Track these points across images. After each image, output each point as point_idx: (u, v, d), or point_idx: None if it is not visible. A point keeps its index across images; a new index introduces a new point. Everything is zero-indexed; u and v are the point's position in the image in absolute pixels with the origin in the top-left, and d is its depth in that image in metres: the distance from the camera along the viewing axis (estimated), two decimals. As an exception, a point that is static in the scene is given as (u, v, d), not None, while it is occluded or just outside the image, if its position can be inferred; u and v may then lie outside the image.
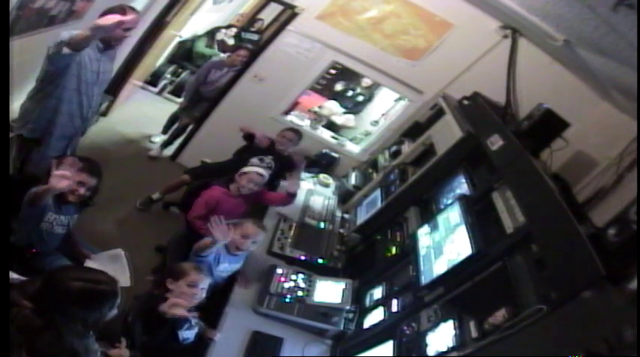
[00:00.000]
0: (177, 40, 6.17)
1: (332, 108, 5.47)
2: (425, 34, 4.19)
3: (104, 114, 4.96)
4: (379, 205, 3.45)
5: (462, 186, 2.92)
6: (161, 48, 5.61)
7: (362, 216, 3.58)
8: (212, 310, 2.55)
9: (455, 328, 2.03)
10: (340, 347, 2.53)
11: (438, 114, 3.76)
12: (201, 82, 4.99)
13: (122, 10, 2.64)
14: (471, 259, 2.19)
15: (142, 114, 5.66)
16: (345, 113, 5.61)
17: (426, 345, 2.10)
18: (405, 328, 2.26)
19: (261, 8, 7.40)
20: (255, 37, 6.53)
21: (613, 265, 1.58)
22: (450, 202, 2.76)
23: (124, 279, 2.55)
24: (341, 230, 3.58)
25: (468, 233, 2.30)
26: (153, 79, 6.29)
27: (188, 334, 2.31)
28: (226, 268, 2.79)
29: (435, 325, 2.14)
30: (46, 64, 2.65)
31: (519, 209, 2.24)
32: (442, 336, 2.06)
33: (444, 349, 2.00)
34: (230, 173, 3.45)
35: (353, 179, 4.25)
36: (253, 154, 3.64)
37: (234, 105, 4.65)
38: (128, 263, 2.75)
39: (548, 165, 2.86)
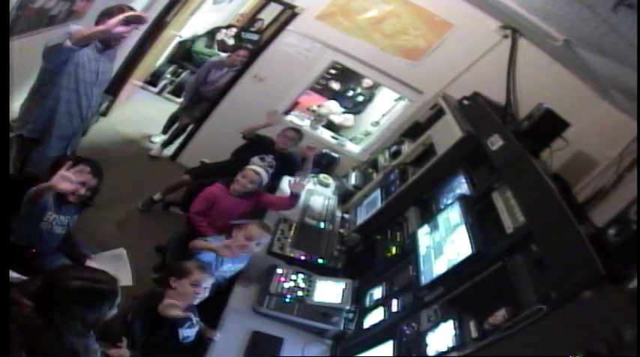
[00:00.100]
0: (177, 40, 6.17)
1: (331, 107, 5.47)
2: (425, 34, 4.19)
3: (104, 114, 4.97)
4: (379, 205, 3.45)
5: (462, 186, 2.92)
6: (161, 48, 5.61)
7: (362, 216, 3.58)
8: (212, 310, 2.55)
9: (455, 328, 2.03)
10: (340, 347, 2.53)
11: (438, 114, 3.75)
12: (201, 82, 4.99)
13: (121, 10, 2.64)
14: (471, 259, 2.19)
15: (142, 114, 5.66)
16: (344, 113, 5.61)
17: (426, 345, 2.10)
18: (405, 328, 2.26)
19: (261, 8, 7.40)
20: (255, 37, 6.53)
21: (613, 265, 1.58)
22: (450, 202, 2.76)
23: (125, 278, 2.55)
24: (341, 230, 3.58)
25: (468, 233, 2.30)
26: (153, 79, 6.29)
27: (189, 333, 2.31)
28: (230, 268, 2.80)
29: (435, 325, 2.14)
30: (43, 63, 2.65)
31: (519, 209, 2.24)
32: (442, 336, 2.06)
33: (444, 349, 2.00)
34: (229, 173, 3.46)
35: (353, 179, 4.25)
36: (252, 154, 3.64)
37: (234, 105, 4.65)
38: (130, 262, 2.75)
39: (548, 165, 2.86)
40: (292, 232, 3.35)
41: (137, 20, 2.61)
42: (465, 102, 3.59)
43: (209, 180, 3.50)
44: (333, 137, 5.03)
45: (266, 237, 2.87)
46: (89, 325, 1.66)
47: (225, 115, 4.70)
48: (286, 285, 2.75)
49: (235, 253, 2.73)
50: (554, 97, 3.19)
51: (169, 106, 5.86)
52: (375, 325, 2.50)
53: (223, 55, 6.10)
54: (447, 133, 3.26)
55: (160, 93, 6.39)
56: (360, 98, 5.76)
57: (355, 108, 5.75)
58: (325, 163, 4.66)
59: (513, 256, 2.09)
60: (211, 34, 6.73)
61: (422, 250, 2.57)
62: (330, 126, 5.35)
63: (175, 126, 5.16)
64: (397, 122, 4.64)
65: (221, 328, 2.45)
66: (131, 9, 2.78)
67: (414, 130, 4.10)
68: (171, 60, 6.52)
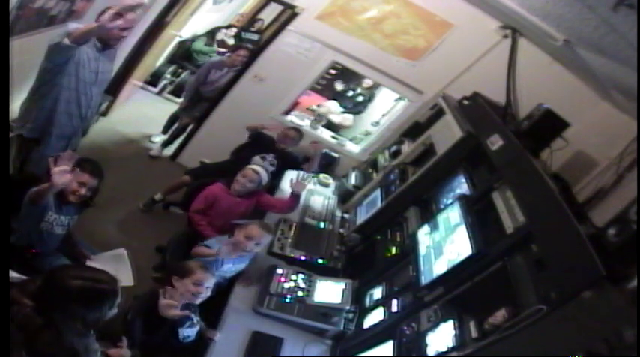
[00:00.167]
0: (177, 40, 6.17)
1: (330, 107, 5.47)
2: (425, 34, 4.19)
3: (104, 114, 4.97)
4: (379, 205, 3.45)
5: (462, 186, 2.92)
6: (161, 48, 5.61)
7: (362, 216, 3.58)
8: (212, 309, 2.55)
9: (455, 328, 2.03)
10: (340, 347, 2.53)
11: (438, 114, 3.75)
12: (201, 82, 5.00)
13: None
14: (471, 259, 2.18)
15: (142, 114, 5.67)
16: (344, 113, 5.61)
17: (426, 345, 2.10)
18: (405, 328, 2.26)
19: (261, 8, 7.40)
20: (255, 37, 6.53)
21: (613, 265, 1.58)
22: (450, 202, 2.76)
23: (126, 278, 2.55)
24: (341, 230, 3.58)
25: (468, 233, 2.30)
26: (153, 79, 6.29)
27: (189, 332, 2.31)
28: (230, 268, 2.80)
29: (435, 325, 2.14)
30: (44, 62, 2.65)
31: (519, 209, 2.24)
32: (442, 336, 2.06)
33: (444, 349, 2.00)
34: (229, 173, 3.46)
35: (353, 179, 4.25)
36: (252, 153, 3.64)
37: (234, 105, 4.66)
38: (130, 262, 2.75)
39: (548, 165, 2.86)
40: (292, 232, 3.35)
41: (130, 9, 2.56)
42: (465, 102, 3.59)
43: (210, 179, 3.50)
44: (333, 137, 5.03)
45: (266, 237, 2.87)
46: (89, 325, 1.66)
47: (225, 115, 4.70)
48: (286, 285, 2.75)
49: (234, 253, 2.73)
50: (554, 97, 3.19)
51: (169, 106, 5.87)
52: (375, 325, 2.50)
53: (222, 50, 6.11)
54: (447, 133, 3.26)
55: (159, 93, 6.39)
56: (360, 98, 5.76)
57: (355, 108, 5.75)
58: (325, 163, 4.66)
59: (513, 256, 2.09)
60: (211, 34, 6.73)
61: (422, 250, 2.57)
62: (330, 126, 5.36)
63: (175, 126, 5.16)
64: (397, 122, 4.64)
65: (221, 328, 2.45)
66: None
67: (414, 130, 4.10)
68: (171, 60, 6.52)
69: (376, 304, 2.65)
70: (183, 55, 6.55)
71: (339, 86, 5.81)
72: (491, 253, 2.17)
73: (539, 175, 2.29)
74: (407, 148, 3.92)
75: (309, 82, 4.67)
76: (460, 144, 3.05)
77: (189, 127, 5.01)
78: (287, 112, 4.84)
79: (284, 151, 4.15)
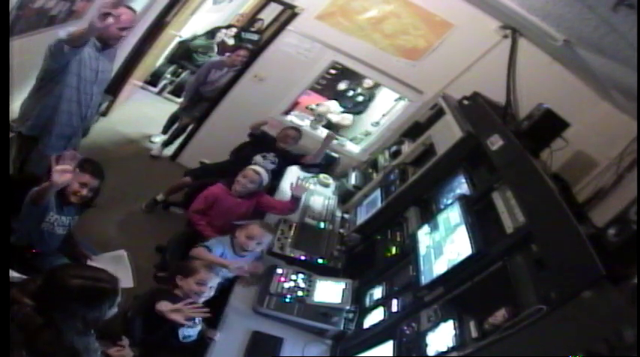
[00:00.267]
0: (177, 40, 6.17)
1: (329, 106, 5.47)
2: (425, 34, 4.19)
3: (104, 114, 4.97)
4: (379, 205, 3.45)
5: (462, 186, 2.92)
6: (161, 48, 5.61)
7: (362, 216, 3.58)
8: (212, 310, 2.55)
9: (455, 328, 2.03)
10: (340, 347, 2.53)
11: (438, 114, 3.75)
12: (201, 82, 5.00)
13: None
14: (471, 259, 2.18)
15: (142, 114, 5.67)
16: (344, 113, 5.60)
17: (426, 345, 2.10)
18: (405, 328, 2.26)
19: (261, 8, 7.40)
20: (255, 37, 6.54)
21: (613, 265, 1.58)
22: (450, 202, 2.76)
23: (126, 280, 2.55)
24: (341, 230, 3.58)
25: (468, 233, 2.30)
26: (153, 79, 6.29)
27: (190, 332, 2.31)
28: None
29: (435, 325, 2.14)
30: (46, 62, 2.64)
31: (519, 209, 2.24)
32: (442, 336, 2.06)
33: (444, 349, 2.00)
34: (229, 173, 3.46)
35: (353, 179, 4.25)
36: (252, 152, 3.64)
37: (234, 105, 4.65)
38: (130, 264, 2.75)
39: (548, 165, 2.86)
40: (292, 232, 3.35)
41: (114, 5, 2.52)
42: (465, 102, 3.60)
43: (210, 180, 3.50)
44: (333, 137, 5.02)
45: (268, 236, 2.87)
46: (89, 324, 1.66)
47: (225, 115, 4.70)
48: (286, 285, 2.75)
49: (238, 250, 2.74)
50: (554, 97, 3.20)
51: (169, 106, 5.87)
52: (375, 325, 2.50)
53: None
54: (447, 133, 3.26)
55: (160, 93, 6.39)
56: (360, 98, 5.75)
57: (355, 108, 5.75)
58: (325, 163, 4.66)
59: (513, 256, 2.09)
60: (211, 34, 6.72)
61: (422, 250, 2.57)
62: (330, 126, 5.35)
63: (175, 126, 5.17)
64: (397, 122, 4.64)
65: (221, 328, 2.45)
66: (129, 8, 2.78)
67: (414, 130, 4.10)
68: (171, 60, 6.52)
69: (376, 304, 2.65)
70: (183, 55, 6.54)
71: (339, 86, 5.81)
72: (491, 253, 2.17)
73: (539, 175, 2.29)
74: (407, 148, 3.92)
75: (309, 82, 4.67)
76: (460, 144, 3.05)
77: (190, 127, 5.02)
78: (287, 112, 4.84)
79: (284, 150, 4.14)
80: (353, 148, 4.95)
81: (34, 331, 1.51)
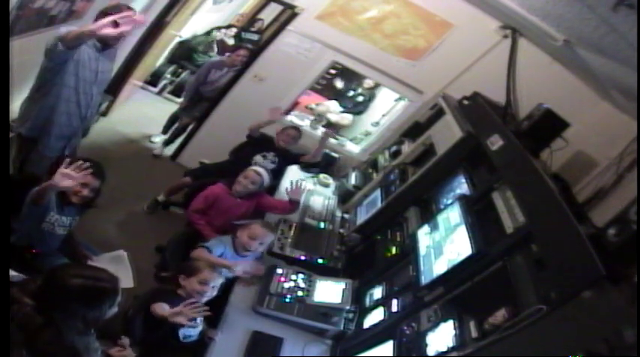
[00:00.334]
0: (177, 40, 6.17)
1: (329, 106, 5.47)
2: (425, 34, 4.19)
3: (104, 114, 4.97)
4: (379, 205, 3.45)
5: (462, 186, 2.92)
6: (161, 48, 5.62)
7: (362, 216, 3.58)
8: (212, 309, 2.55)
9: (455, 328, 2.03)
10: (340, 347, 2.53)
11: (438, 114, 3.75)
12: (201, 82, 5.00)
13: (118, 10, 2.63)
14: (471, 259, 2.18)
15: (142, 114, 5.67)
16: (343, 113, 5.60)
17: (426, 345, 2.10)
18: (405, 328, 2.26)
19: (261, 8, 7.40)
20: (255, 37, 6.54)
21: (613, 265, 1.58)
22: (450, 202, 2.76)
23: (126, 280, 2.55)
24: (341, 230, 3.58)
25: (468, 233, 2.30)
26: (153, 79, 6.29)
27: (191, 332, 2.31)
28: None
29: (435, 325, 2.14)
30: (44, 61, 2.64)
31: (519, 209, 2.24)
32: (442, 336, 2.06)
33: (444, 349, 2.00)
34: (229, 173, 3.46)
35: (353, 179, 4.25)
36: (252, 152, 3.64)
37: (234, 105, 4.66)
38: (131, 264, 2.75)
39: (548, 165, 2.86)
40: (292, 232, 3.35)
41: (128, 22, 2.56)
42: (465, 102, 3.59)
43: (210, 180, 3.50)
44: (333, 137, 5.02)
45: (270, 236, 2.87)
46: (90, 324, 1.66)
47: (225, 115, 4.70)
48: (286, 285, 2.75)
49: (240, 250, 2.76)
50: (554, 97, 3.19)
51: (169, 106, 5.87)
52: (375, 325, 2.50)
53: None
54: (447, 133, 3.26)
55: (159, 93, 6.39)
56: (360, 98, 5.75)
57: (355, 108, 5.74)
58: (325, 163, 4.65)
59: (513, 256, 2.09)
60: (211, 33, 6.72)
61: (422, 250, 2.57)
62: (330, 126, 5.35)
63: (175, 126, 5.17)
64: (397, 122, 4.64)
65: (221, 328, 2.45)
66: (129, 9, 2.78)
67: (414, 130, 4.09)
68: (171, 60, 6.51)
69: (376, 304, 2.65)
70: (183, 55, 6.55)
71: (339, 86, 5.80)
72: (491, 253, 2.17)
73: (539, 175, 2.29)
74: (407, 148, 3.92)
75: (309, 82, 4.67)
76: (460, 144, 3.05)
77: (190, 127, 5.02)
78: (287, 112, 4.84)
79: (284, 149, 4.14)
80: (353, 148, 4.95)
81: (34, 331, 1.51)
